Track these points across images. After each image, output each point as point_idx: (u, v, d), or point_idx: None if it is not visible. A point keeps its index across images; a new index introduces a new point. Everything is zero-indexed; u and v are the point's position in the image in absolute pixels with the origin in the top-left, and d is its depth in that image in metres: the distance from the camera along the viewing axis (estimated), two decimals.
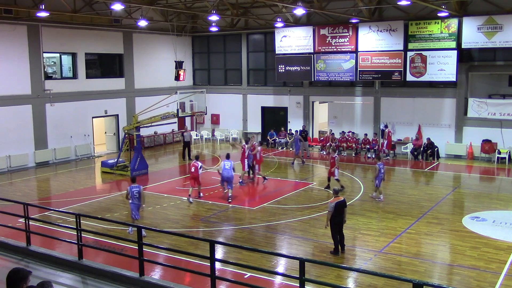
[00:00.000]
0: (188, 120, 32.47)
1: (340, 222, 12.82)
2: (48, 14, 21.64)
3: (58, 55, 27.01)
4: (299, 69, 28.87)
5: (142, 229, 14.02)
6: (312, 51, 28.23)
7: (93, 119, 27.93)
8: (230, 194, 17.90)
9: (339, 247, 12.82)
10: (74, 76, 27.22)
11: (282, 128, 30.23)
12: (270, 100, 31.35)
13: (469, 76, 25.66)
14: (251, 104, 31.97)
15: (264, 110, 31.72)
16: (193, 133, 32.38)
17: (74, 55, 27.03)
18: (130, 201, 14.36)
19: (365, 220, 15.63)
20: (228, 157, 18.69)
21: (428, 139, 25.46)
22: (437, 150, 25.42)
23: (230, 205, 17.59)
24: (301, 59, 28.65)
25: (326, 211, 12.97)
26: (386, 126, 26.74)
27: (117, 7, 20.45)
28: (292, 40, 28.86)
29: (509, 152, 24.02)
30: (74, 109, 26.57)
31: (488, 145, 24.51)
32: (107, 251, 11.88)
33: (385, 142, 26.01)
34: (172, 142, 32.04)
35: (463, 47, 24.26)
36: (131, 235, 14.11)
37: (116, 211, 16.92)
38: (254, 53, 31.95)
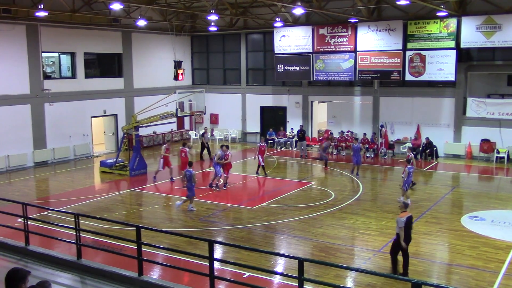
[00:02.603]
0: (188, 120, 32.44)
1: (407, 240, 11.24)
2: (47, 14, 21.61)
3: (57, 54, 26.96)
4: (298, 68, 28.86)
5: None
6: (311, 50, 28.23)
7: (92, 118, 27.89)
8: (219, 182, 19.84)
9: (402, 268, 11.17)
10: (73, 75, 27.18)
11: (281, 128, 30.22)
12: (269, 100, 31.34)
13: (468, 76, 25.68)
14: (250, 103, 31.96)
15: (263, 109, 31.71)
16: (192, 133, 32.39)
17: (73, 55, 26.99)
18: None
19: (364, 219, 15.62)
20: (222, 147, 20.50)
21: (427, 138, 25.47)
22: (436, 149, 25.43)
23: (229, 204, 17.60)
24: (300, 58, 28.64)
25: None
26: (382, 126, 26.75)
27: (116, 6, 20.40)
28: (291, 39, 28.85)
29: (508, 152, 24.04)
30: (73, 108, 26.54)
31: (487, 145, 24.53)
32: (106, 251, 11.87)
33: (383, 141, 26.07)
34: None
35: (462, 46, 24.27)
36: (177, 208, 16.81)
37: (115, 210, 16.90)
38: (253, 53, 31.94)
